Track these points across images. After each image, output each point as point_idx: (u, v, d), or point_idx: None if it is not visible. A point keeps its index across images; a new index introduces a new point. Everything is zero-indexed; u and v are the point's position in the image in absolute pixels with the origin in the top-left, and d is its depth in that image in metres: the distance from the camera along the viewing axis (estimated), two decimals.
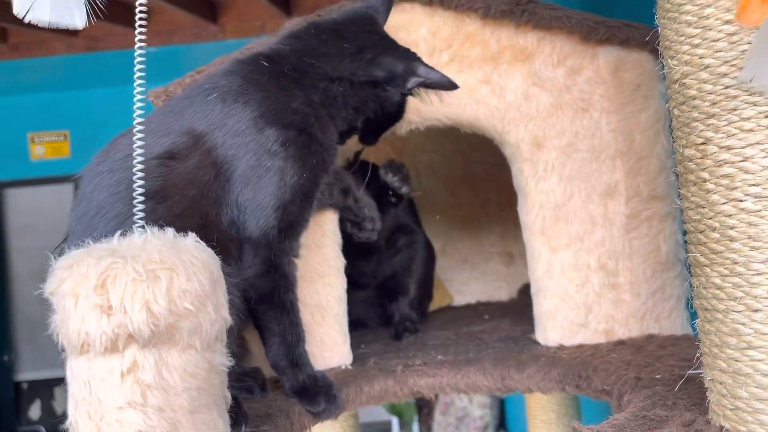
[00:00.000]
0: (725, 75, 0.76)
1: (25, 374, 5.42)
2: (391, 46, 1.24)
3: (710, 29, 0.77)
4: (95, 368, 0.76)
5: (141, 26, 0.88)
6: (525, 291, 2.02)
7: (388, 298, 1.81)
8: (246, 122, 1.11)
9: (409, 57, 1.23)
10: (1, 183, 5.49)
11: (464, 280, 2.12)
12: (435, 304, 1.98)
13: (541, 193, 1.41)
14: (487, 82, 1.42)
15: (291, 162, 1.12)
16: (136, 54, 0.89)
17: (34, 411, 5.39)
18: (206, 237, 1.03)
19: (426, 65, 1.22)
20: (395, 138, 2.03)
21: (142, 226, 0.83)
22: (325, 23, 1.26)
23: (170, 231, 0.83)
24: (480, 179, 2.11)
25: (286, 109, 1.14)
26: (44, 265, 0.82)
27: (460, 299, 2.11)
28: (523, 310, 1.79)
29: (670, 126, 1.39)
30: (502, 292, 2.11)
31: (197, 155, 1.09)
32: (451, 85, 1.22)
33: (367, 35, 1.23)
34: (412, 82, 1.21)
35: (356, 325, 1.80)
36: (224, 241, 1.10)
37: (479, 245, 2.13)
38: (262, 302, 1.13)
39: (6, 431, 5.07)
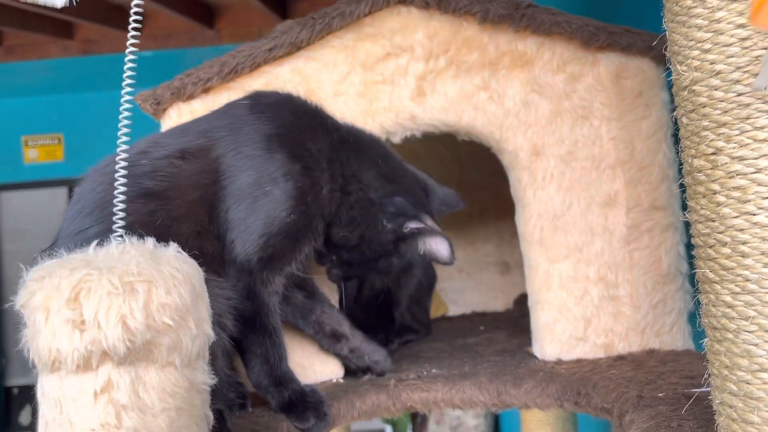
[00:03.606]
0: (738, 82, 0.72)
1: (16, 379, 5.35)
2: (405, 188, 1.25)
3: (722, 33, 0.73)
4: (67, 387, 0.71)
5: (135, 29, 0.83)
6: (521, 301, 1.98)
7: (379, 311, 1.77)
8: (260, 136, 1.10)
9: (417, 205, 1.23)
10: None
11: (459, 290, 2.08)
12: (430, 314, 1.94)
13: (540, 202, 1.37)
14: (485, 88, 1.38)
15: (286, 196, 1.09)
16: (126, 59, 0.84)
17: (25, 417, 5.32)
18: (201, 246, 1.04)
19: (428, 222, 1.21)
20: (391, 145, 2.00)
21: (121, 236, 0.79)
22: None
23: (150, 241, 0.78)
24: (476, 187, 2.08)
25: (302, 146, 1.13)
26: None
27: (455, 309, 2.07)
28: (519, 321, 1.75)
29: (673, 135, 1.37)
30: (498, 302, 2.07)
31: (205, 158, 1.08)
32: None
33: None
34: (409, 226, 1.20)
35: None
36: (217, 251, 1.08)
37: (475, 254, 2.09)
38: (245, 325, 1.09)
39: None
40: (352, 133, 1.24)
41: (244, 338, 1.10)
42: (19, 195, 5.59)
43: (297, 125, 1.15)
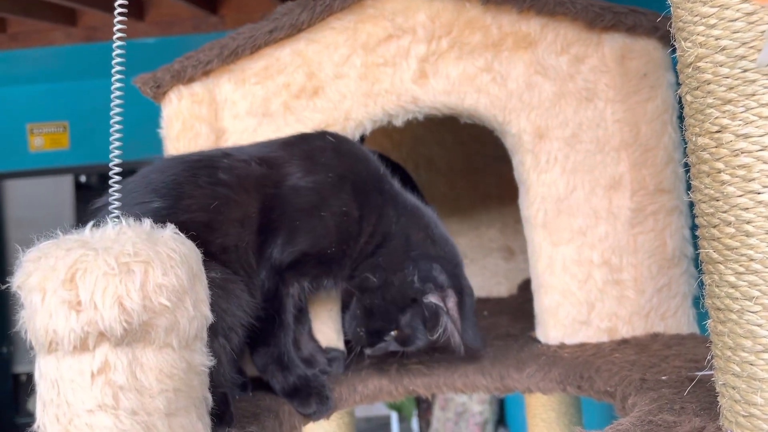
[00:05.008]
0: (743, 57, 0.70)
1: (24, 366, 5.37)
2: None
3: (727, 8, 0.71)
4: (64, 368, 0.71)
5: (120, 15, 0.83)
6: (525, 287, 1.97)
7: None
8: (336, 173, 1.21)
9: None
10: None
11: None
12: None
13: (543, 185, 1.36)
14: (488, 70, 1.36)
15: (337, 230, 1.19)
16: (114, 46, 0.84)
17: (33, 403, 5.36)
18: (240, 233, 1.13)
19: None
20: (393, 129, 1.98)
21: (117, 217, 0.78)
22: None
23: (147, 222, 0.77)
24: (480, 172, 2.06)
25: (365, 197, 1.22)
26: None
27: None
28: (522, 306, 1.74)
29: (678, 116, 1.35)
30: (502, 287, 2.06)
31: (276, 169, 1.19)
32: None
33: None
34: (430, 299, 1.19)
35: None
36: (252, 241, 1.15)
37: (479, 240, 2.08)
38: (265, 320, 1.13)
39: (4, 423, 5.05)
40: (410, 202, 1.30)
41: (261, 330, 1.13)
42: (25, 183, 5.60)
43: (368, 179, 1.25)
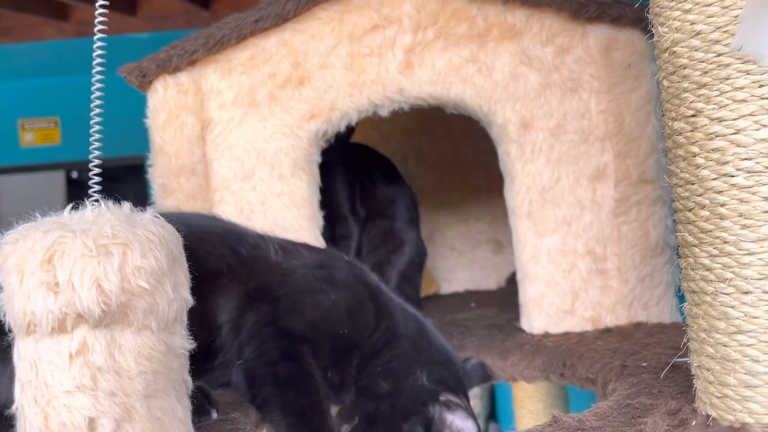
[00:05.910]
0: (717, 42, 0.71)
1: None
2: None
3: None
4: (42, 349, 0.71)
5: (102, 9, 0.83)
6: (513, 279, 1.97)
7: None
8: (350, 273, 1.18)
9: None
10: None
11: (452, 268, 2.08)
12: (422, 292, 1.94)
13: (528, 175, 1.37)
14: (473, 60, 1.37)
15: (346, 309, 1.14)
16: (96, 38, 0.85)
17: None
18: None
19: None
20: (382, 122, 1.99)
21: (97, 200, 0.78)
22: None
23: (126, 205, 0.78)
24: (469, 165, 2.07)
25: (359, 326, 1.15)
26: None
27: (447, 287, 2.07)
28: (510, 298, 1.75)
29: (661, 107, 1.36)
30: (491, 280, 2.07)
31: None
32: None
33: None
34: (446, 395, 1.12)
35: None
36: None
37: (467, 232, 2.08)
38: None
39: (1, 419, 5.02)
40: (412, 311, 1.25)
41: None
42: (16, 179, 5.57)
43: (378, 289, 1.21)
